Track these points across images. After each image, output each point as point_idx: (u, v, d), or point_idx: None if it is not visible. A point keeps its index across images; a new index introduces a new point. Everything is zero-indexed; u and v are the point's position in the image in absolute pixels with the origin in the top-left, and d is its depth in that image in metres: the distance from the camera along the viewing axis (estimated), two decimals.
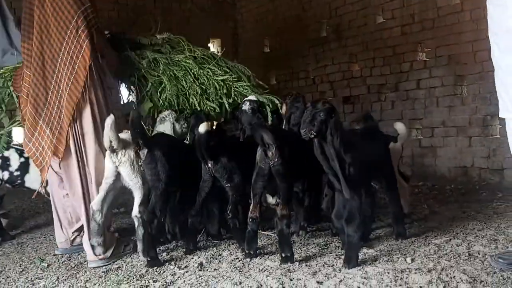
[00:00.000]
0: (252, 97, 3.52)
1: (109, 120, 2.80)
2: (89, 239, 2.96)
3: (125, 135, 3.03)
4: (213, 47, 9.08)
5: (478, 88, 5.46)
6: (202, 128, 2.91)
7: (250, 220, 2.87)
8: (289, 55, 8.15)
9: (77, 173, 3.04)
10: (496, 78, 2.53)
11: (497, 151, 5.28)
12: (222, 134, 3.54)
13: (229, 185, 3.04)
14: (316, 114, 2.50)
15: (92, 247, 2.95)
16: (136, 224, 2.95)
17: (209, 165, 3.01)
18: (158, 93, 3.59)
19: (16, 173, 3.63)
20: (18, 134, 3.67)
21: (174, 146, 3.17)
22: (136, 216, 2.94)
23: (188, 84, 3.63)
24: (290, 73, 8.28)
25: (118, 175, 2.96)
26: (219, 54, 3.90)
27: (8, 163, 3.62)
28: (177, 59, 3.72)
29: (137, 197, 2.97)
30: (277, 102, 3.69)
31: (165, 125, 3.48)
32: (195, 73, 3.64)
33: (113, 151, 2.88)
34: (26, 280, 2.73)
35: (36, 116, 3.03)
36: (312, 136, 2.50)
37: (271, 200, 3.31)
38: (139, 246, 2.95)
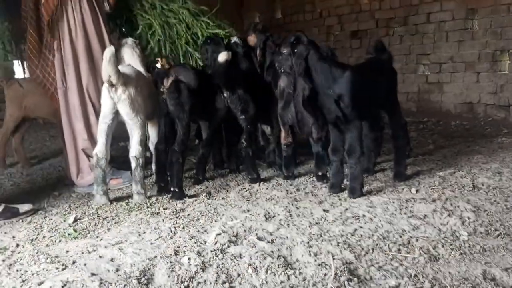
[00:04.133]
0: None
1: (108, 52, 2.52)
2: (95, 188, 2.79)
3: (127, 69, 2.83)
4: None
5: (490, 22, 5.29)
6: (222, 57, 2.85)
7: (285, 146, 3.03)
8: None
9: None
10: None
11: (504, 87, 5.21)
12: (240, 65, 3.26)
13: (243, 116, 3.04)
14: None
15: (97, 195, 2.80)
16: (134, 165, 2.76)
17: (225, 95, 2.99)
18: (148, 36, 3.53)
19: None
20: None
21: (200, 78, 2.93)
22: (135, 156, 2.75)
23: (180, 32, 3.55)
24: (295, 5, 8.01)
25: (116, 113, 2.72)
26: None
27: None
28: (171, 7, 3.61)
29: (136, 136, 2.77)
30: None
31: (126, 50, 3.18)
32: (188, 23, 3.55)
33: (111, 85, 2.63)
34: (38, 208, 2.79)
35: (40, 45, 3.07)
36: None
37: (267, 130, 3.35)
38: (136, 187, 2.78)
